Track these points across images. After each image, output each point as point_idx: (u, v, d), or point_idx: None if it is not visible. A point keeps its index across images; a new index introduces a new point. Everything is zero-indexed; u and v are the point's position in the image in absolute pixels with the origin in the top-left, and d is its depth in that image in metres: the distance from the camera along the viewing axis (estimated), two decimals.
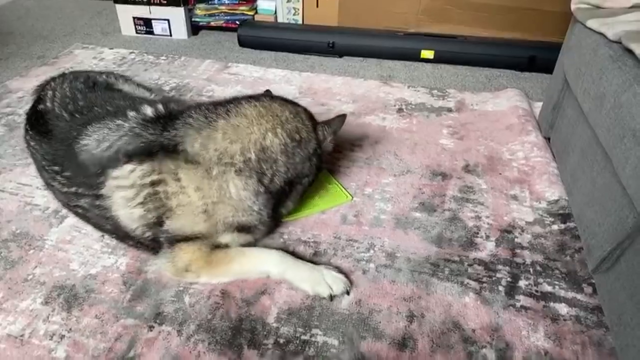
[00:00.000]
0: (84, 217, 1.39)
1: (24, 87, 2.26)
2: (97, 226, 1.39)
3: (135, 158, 1.22)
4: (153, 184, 1.21)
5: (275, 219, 1.38)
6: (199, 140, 1.22)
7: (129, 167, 1.22)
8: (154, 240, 1.27)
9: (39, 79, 2.22)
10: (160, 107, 1.33)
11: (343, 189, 1.62)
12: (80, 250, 1.39)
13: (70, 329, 1.17)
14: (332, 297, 1.24)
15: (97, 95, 1.51)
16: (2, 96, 2.23)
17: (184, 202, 1.21)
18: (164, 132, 1.24)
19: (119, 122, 1.29)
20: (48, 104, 1.49)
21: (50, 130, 1.41)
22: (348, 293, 1.25)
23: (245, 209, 1.25)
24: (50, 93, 1.54)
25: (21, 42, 2.89)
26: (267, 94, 1.51)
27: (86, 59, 2.63)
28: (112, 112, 1.36)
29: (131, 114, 1.31)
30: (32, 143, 1.49)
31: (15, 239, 1.43)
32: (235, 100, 1.33)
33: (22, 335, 1.15)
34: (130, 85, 1.77)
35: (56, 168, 1.37)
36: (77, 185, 1.31)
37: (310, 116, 1.42)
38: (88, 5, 3.49)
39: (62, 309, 1.22)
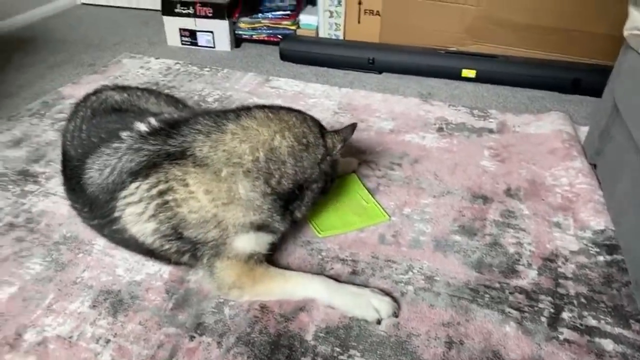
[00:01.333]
0: (115, 243, 1.42)
1: (75, 94, 2.35)
2: (128, 249, 1.41)
3: (139, 174, 1.23)
4: (161, 193, 1.22)
5: (290, 221, 1.38)
6: (207, 144, 1.24)
7: (134, 184, 1.23)
8: (178, 253, 1.28)
9: (90, 86, 2.31)
10: (152, 120, 1.32)
11: (381, 208, 1.62)
12: (125, 256, 1.44)
13: (116, 334, 1.21)
14: (379, 321, 1.23)
15: (95, 122, 1.50)
16: (55, 102, 2.34)
17: (195, 208, 1.21)
18: (169, 140, 1.25)
19: (115, 145, 1.30)
20: (64, 139, 1.53)
21: (65, 168, 1.47)
22: (396, 315, 1.25)
23: (255, 208, 1.25)
24: (68, 125, 1.57)
25: (73, 49, 3.03)
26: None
27: (133, 68, 2.73)
28: (106, 139, 1.35)
29: (124, 134, 1.31)
30: (62, 178, 1.54)
31: (65, 242, 1.49)
32: (245, 107, 1.37)
33: (70, 337, 1.20)
34: (158, 99, 1.73)
35: (77, 206, 1.42)
36: (95, 218, 1.34)
37: (318, 123, 1.42)
38: (136, 16, 3.62)
39: (108, 314, 1.26)
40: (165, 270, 1.39)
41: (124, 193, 1.25)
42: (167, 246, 1.26)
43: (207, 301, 1.30)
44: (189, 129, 1.27)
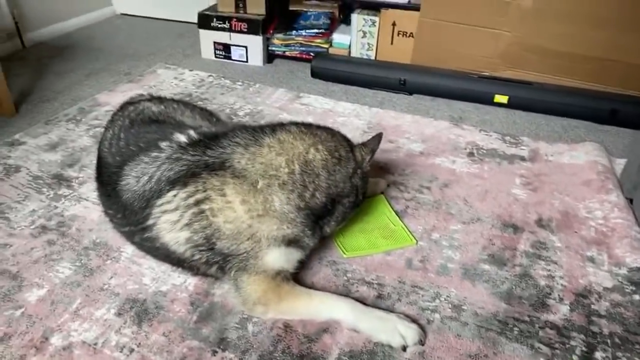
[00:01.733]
0: (143, 251, 1.44)
1: (111, 102, 2.42)
2: (156, 258, 1.43)
3: (177, 183, 1.25)
4: (198, 202, 1.23)
5: (319, 236, 1.39)
6: (246, 156, 1.27)
7: (172, 192, 1.25)
8: (207, 264, 1.28)
9: (125, 94, 2.37)
10: (192, 132, 1.37)
11: (408, 232, 1.60)
12: (152, 265, 1.45)
13: (140, 344, 1.21)
14: (405, 348, 1.21)
15: (134, 132, 1.53)
16: (91, 109, 2.40)
17: (231, 218, 1.23)
18: (208, 151, 1.28)
19: (154, 154, 1.32)
20: (101, 146, 1.56)
21: (101, 175, 1.49)
22: (422, 343, 1.22)
23: (290, 221, 1.26)
24: (105, 134, 1.60)
25: (110, 58, 3.11)
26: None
27: (168, 78, 2.79)
28: (144, 148, 1.38)
29: (164, 144, 1.34)
30: (97, 185, 1.57)
31: (95, 247, 1.51)
32: (279, 123, 1.40)
33: (95, 344, 1.21)
34: (192, 112, 1.75)
35: (110, 212, 1.45)
36: (128, 224, 1.36)
37: (346, 138, 1.45)
38: (172, 28, 3.72)
39: (133, 323, 1.27)
40: (191, 282, 1.39)
41: (160, 201, 1.26)
42: (197, 256, 1.27)
43: (231, 316, 1.29)
44: (227, 142, 1.30)
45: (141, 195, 1.29)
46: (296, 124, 1.40)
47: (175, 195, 1.25)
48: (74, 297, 1.34)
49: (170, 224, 1.26)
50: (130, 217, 1.33)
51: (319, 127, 1.42)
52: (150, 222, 1.28)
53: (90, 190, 1.77)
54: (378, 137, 1.47)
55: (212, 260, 1.27)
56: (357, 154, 1.41)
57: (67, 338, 1.22)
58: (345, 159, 1.36)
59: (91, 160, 1.95)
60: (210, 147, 1.29)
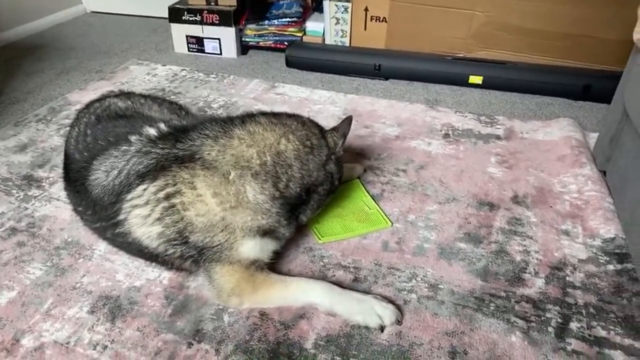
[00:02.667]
0: (116, 246, 1.42)
1: (82, 100, 2.36)
2: (129, 253, 1.41)
3: (147, 176, 1.23)
4: (168, 196, 1.21)
5: (295, 226, 1.39)
6: (216, 148, 1.25)
7: (142, 186, 1.23)
8: (182, 258, 1.26)
9: (96, 92, 2.33)
10: (162, 125, 1.35)
11: (383, 214, 1.60)
12: (126, 261, 1.43)
13: (113, 340, 1.19)
14: (382, 328, 1.21)
15: (101, 127, 1.50)
16: (61, 108, 2.35)
17: (203, 211, 1.21)
18: (177, 144, 1.26)
19: (124, 148, 1.31)
20: (68, 144, 1.53)
21: (68, 172, 1.46)
22: (399, 322, 1.22)
23: (264, 211, 1.25)
24: (71, 132, 1.57)
25: (82, 56, 3.05)
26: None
27: (140, 74, 2.75)
28: (114, 142, 1.36)
29: (133, 138, 1.32)
30: (64, 183, 1.55)
31: (66, 247, 1.48)
32: (249, 114, 1.39)
33: (67, 343, 1.18)
34: (161, 107, 1.72)
35: (80, 209, 1.42)
36: (99, 220, 1.33)
37: (316, 124, 1.44)
38: (144, 24, 3.66)
39: (106, 319, 1.25)
40: (165, 276, 1.38)
41: (130, 195, 1.24)
42: (171, 251, 1.25)
43: (206, 308, 1.28)
44: (197, 134, 1.28)
45: (111, 189, 1.27)
46: (265, 114, 1.39)
47: (145, 189, 1.23)
48: (45, 297, 1.31)
49: (141, 218, 1.24)
50: (100, 212, 1.31)
51: (288, 116, 1.41)
52: (121, 217, 1.26)
53: (61, 189, 1.72)
54: (348, 120, 1.46)
55: (187, 254, 1.25)
56: (330, 140, 1.40)
57: (38, 339, 1.20)
58: (317, 147, 1.35)
59: (62, 159, 1.90)
60: (180, 140, 1.27)
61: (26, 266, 1.41)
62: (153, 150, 1.26)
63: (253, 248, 1.26)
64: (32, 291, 1.33)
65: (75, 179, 1.40)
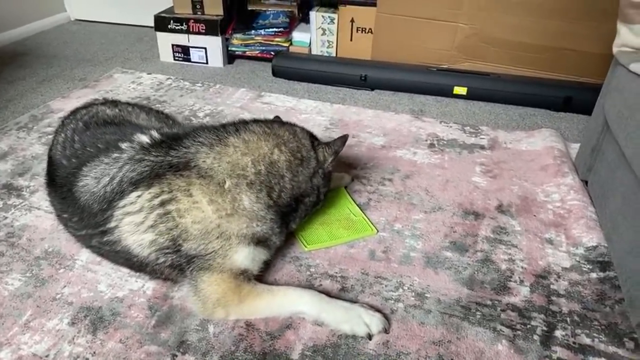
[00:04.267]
0: (100, 255, 1.39)
1: (65, 108, 2.34)
2: (114, 262, 1.38)
3: (141, 184, 1.22)
4: (163, 203, 1.20)
5: (285, 233, 1.40)
6: (211, 155, 1.25)
7: (136, 193, 1.22)
8: (171, 267, 1.24)
9: (79, 100, 2.30)
10: (154, 133, 1.34)
11: (368, 222, 1.60)
12: (108, 272, 1.40)
13: (95, 353, 1.16)
14: (370, 337, 1.20)
15: (89, 134, 1.49)
16: (43, 116, 2.31)
17: (199, 218, 1.20)
18: (171, 152, 1.26)
19: (115, 155, 1.29)
20: (53, 150, 1.51)
21: (54, 178, 1.43)
22: (387, 331, 1.22)
23: (259, 219, 1.26)
24: (57, 137, 1.55)
25: (65, 64, 3.02)
26: (276, 119, 1.55)
27: (125, 82, 2.72)
28: (104, 149, 1.34)
29: (124, 145, 1.31)
30: (47, 189, 1.52)
31: (47, 257, 1.45)
32: (242, 121, 1.39)
33: (47, 356, 1.15)
34: (149, 115, 1.72)
35: (65, 215, 1.39)
36: (85, 227, 1.31)
37: (309, 135, 1.45)
38: (130, 32, 3.63)
39: (87, 331, 1.22)
40: (149, 287, 1.35)
41: (123, 202, 1.22)
42: (162, 259, 1.23)
43: (190, 318, 1.26)
44: (191, 141, 1.28)
45: (101, 197, 1.25)
46: (257, 121, 1.39)
47: (139, 196, 1.21)
48: (24, 309, 1.28)
49: (134, 225, 1.22)
50: (88, 219, 1.28)
51: (281, 125, 1.41)
52: (111, 224, 1.24)
53: (42, 198, 1.70)
54: (343, 139, 1.47)
55: (177, 263, 1.23)
56: (320, 154, 1.42)
57: (16, 352, 1.16)
58: (306, 159, 1.37)
59: (43, 168, 1.86)
60: (173, 148, 1.27)
61: (4, 277, 1.37)
62: (146, 158, 1.25)
63: (247, 256, 1.26)
64: (10, 302, 1.29)
65: (61, 185, 1.38)
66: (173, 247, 1.21)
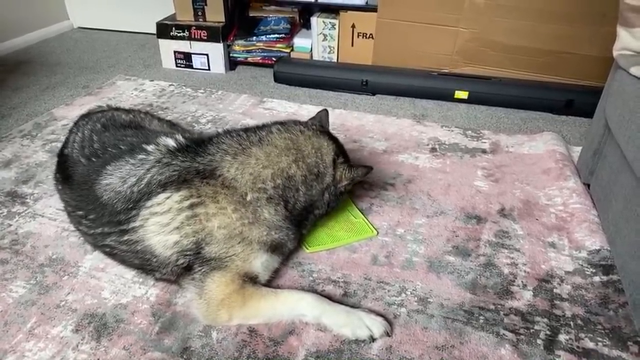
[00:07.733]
0: (111, 255, 1.39)
1: (68, 115, 2.36)
2: (125, 263, 1.39)
3: (170, 186, 1.25)
4: (193, 206, 1.23)
5: (298, 238, 1.44)
6: (235, 165, 1.29)
7: (164, 194, 1.24)
8: (184, 268, 1.26)
9: (83, 107, 2.31)
10: (179, 137, 1.37)
11: (368, 223, 1.61)
12: (112, 278, 1.40)
13: (98, 359, 1.16)
14: (372, 339, 1.21)
15: (109, 135, 1.53)
16: (47, 123, 2.33)
17: (224, 223, 1.24)
18: (197, 158, 1.29)
19: (141, 156, 1.32)
20: (69, 148, 1.53)
21: (70, 175, 1.45)
22: (389, 335, 1.22)
23: (277, 228, 1.31)
24: (72, 137, 1.58)
25: (68, 72, 3.04)
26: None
27: (127, 90, 2.74)
28: (127, 150, 1.38)
29: (150, 147, 1.34)
30: (59, 187, 1.55)
31: (51, 264, 1.46)
32: (266, 128, 1.40)
33: None
34: (161, 122, 1.79)
35: (80, 213, 1.40)
36: (102, 225, 1.32)
37: (336, 151, 1.44)
38: (132, 39, 3.66)
39: (91, 338, 1.22)
40: (152, 293, 1.36)
41: (150, 202, 1.24)
42: (181, 261, 1.25)
43: (194, 325, 1.26)
44: (215, 148, 1.31)
45: (127, 196, 1.27)
46: (284, 132, 1.38)
47: (168, 197, 1.24)
48: (28, 316, 1.28)
49: (160, 226, 1.24)
50: (109, 217, 1.30)
51: (310, 136, 1.40)
52: (135, 223, 1.26)
53: (46, 206, 1.71)
54: (366, 169, 1.48)
55: (191, 264, 1.25)
56: (338, 174, 1.43)
57: (20, 359, 1.16)
58: (322, 175, 1.39)
59: (47, 175, 1.89)
60: (199, 154, 1.30)
61: (9, 284, 1.38)
62: (174, 162, 1.28)
63: (263, 262, 1.30)
64: (15, 310, 1.30)
65: (79, 182, 1.40)
66: (195, 249, 1.23)
